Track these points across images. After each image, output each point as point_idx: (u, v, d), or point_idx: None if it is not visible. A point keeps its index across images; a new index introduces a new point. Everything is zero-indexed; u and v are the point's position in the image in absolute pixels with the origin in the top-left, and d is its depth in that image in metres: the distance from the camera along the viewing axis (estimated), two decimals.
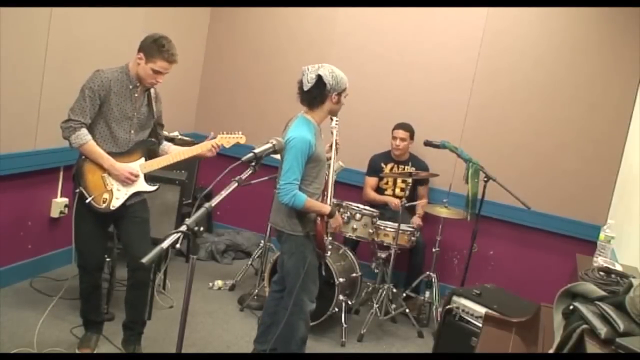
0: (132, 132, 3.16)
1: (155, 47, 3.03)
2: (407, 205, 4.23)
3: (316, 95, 3.13)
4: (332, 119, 3.46)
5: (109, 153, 3.08)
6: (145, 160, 3.21)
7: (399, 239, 4.15)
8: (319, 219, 3.17)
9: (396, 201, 4.54)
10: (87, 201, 3.06)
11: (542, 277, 4.65)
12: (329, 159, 3.38)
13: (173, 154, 3.26)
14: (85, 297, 3.29)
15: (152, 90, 3.22)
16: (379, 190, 4.82)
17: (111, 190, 3.11)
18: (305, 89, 3.13)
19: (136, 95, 3.13)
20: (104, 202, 3.10)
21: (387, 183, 4.81)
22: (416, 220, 4.56)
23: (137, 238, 3.20)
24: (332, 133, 3.48)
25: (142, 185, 3.20)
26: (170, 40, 3.09)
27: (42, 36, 3.68)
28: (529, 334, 2.32)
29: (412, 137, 4.73)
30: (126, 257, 3.27)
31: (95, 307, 3.34)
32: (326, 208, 3.19)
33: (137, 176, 3.14)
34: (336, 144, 3.45)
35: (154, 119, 3.27)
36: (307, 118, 3.17)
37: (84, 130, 3.01)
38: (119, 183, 3.12)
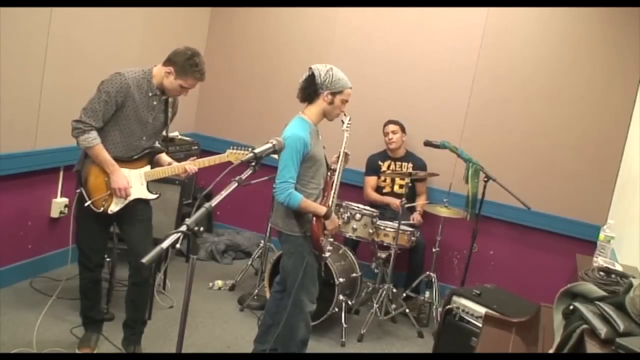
0: (144, 138, 3.14)
1: (188, 66, 2.99)
2: (407, 206, 4.23)
3: (306, 88, 3.14)
4: (342, 122, 3.44)
5: (116, 158, 3.05)
6: (151, 167, 3.20)
7: (399, 239, 4.14)
8: (314, 219, 3.16)
9: (397, 202, 4.54)
10: (86, 205, 3.06)
11: (542, 277, 4.65)
12: (331, 165, 3.37)
13: (179, 164, 3.21)
14: (85, 293, 3.28)
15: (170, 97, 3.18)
16: (378, 189, 4.83)
17: (111, 194, 3.10)
18: (299, 83, 3.16)
19: (155, 103, 3.09)
20: (102, 205, 3.09)
21: (384, 181, 4.81)
22: (416, 217, 4.56)
23: (139, 237, 3.19)
24: (344, 135, 3.46)
25: (143, 193, 3.18)
26: (201, 56, 3.06)
27: (42, 36, 3.68)
28: (529, 334, 2.32)
29: (403, 130, 4.75)
30: (127, 257, 3.26)
31: (95, 304, 3.33)
32: (321, 209, 3.15)
33: (128, 195, 3.09)
34: (345, 155, 3.44)
35: (168, 127, 3.24)
36: (303, 118, 3.17)
37: (94, 134, 2.98)
38: None
